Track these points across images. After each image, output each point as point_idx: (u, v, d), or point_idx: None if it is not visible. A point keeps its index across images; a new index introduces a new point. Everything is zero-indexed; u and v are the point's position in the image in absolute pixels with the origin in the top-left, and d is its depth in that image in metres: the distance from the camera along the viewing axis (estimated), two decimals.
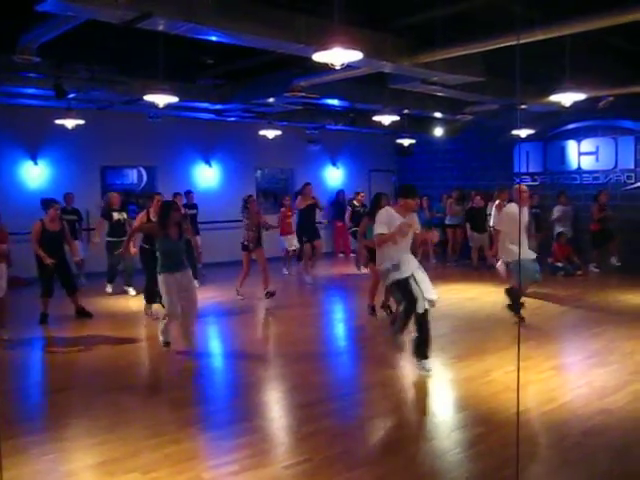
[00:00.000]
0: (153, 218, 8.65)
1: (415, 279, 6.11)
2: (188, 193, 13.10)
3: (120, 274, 10.94)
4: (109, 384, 6.01)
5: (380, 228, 6.15)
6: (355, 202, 13.49)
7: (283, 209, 13.07)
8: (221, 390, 6.12)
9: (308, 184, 12.24)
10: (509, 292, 8.15)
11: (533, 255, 8.08)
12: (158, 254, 6.94)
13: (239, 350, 7.38)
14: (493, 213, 11.29)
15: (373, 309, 8.61)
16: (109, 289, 10.86)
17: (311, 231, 11.97)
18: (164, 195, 10.09)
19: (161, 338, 7.06)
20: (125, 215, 10.87)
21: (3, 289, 7.57)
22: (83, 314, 8.86)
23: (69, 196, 11.68)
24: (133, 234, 7.91)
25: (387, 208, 6.39)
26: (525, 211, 8.06)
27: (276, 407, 5.55)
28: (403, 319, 6.26)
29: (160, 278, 6.87)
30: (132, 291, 10.67)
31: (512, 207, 8.09)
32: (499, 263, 9.00)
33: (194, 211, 12.88)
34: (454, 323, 8.36)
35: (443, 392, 5.90)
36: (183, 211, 11.53)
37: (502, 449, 4.28)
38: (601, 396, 5.38)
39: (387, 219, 6.14)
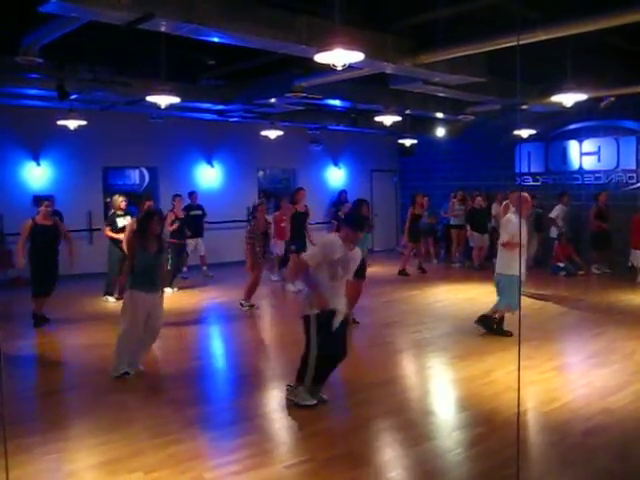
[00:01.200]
0: None
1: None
2: (192, 194, 13.02)
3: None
4: (111, 384, 6.02)
5: (311, 254, 5.30)
6: (341, 214, 12.15)
7: (278, 213, 12.13)
8: (223, 390, 6.15)
9: (301, 189, 11.59)
10: (483, 320, 7.70)
11: (523, 277, 7.39)
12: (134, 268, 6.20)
13: (240, 350, 7.39)
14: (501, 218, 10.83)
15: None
16: (111, 299, 10.07)
17: (301, 241, 10.94)
18: (162, 196, 10.01)
19: (113, 369, 6.10)
20: (130, 220, 10.05)
21: None
22: (41, 319, 8.44)
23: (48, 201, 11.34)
24: (130, 254, 6.55)
25: (334, 237, 5.35)
26: (524, 222, 7.30)
27: (278, 407, 5.56)
28: (313, 369, 5.17)
29: (128, 294, 6.13)
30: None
31: (512, 217, 7.41)
32: None
33: (199, 212, 12.81)
34: (455, 323, 8.37)
35: (444, 392, 5.91)
36: (182, 215, 11.32)
37: (503, 449, 4.29)
38: (602, 396, 5.40)
39: (324, 250, 5.15)
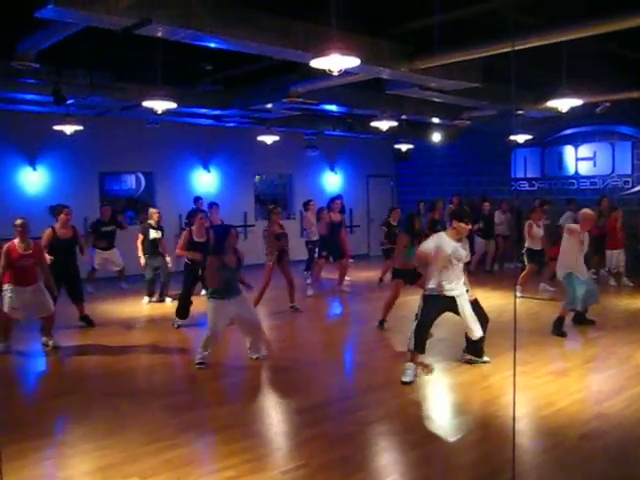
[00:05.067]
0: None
1: (458, 306, 6.17)
2: (197, 200, 13.11)
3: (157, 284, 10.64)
4: (108, 389, 6.02)
5: (426, 246, 6.12)
6: (391, 220, 11.68)
7: (308, 214, 12.26)
8: (219, 395, 6.13)
9: (337, 198, 11.93)
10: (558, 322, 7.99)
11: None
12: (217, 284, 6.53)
13: (237, 355, 7.37)
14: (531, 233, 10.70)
15: (382, 323, 8.35)
16: (146, 300, 10.58)
17: (336, 249, 11.40)
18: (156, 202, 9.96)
19: (198, 357, 6.66)
20: (161, 234, 10.42)
21: (51, 306, 7.54)
22: (87, 322, 8.79)
23: (106, 209, 11.50)
24: (210, 274, 6.70)
25: (442, 234, 6.19)
26: (586, 236, 8.03)
27: (274, 412, 5.55)
28: (416, 336, 6.17)
29: (209, 303, 6.54)
30: (169, 300, 10.37)
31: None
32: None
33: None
34: (451, 328, 8.32)
35: (441, 397, 5.91)
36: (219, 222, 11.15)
37: (499, 453, 4.29)
38: (598, 401, 5.41)
39: (438, 242, 6.04)
